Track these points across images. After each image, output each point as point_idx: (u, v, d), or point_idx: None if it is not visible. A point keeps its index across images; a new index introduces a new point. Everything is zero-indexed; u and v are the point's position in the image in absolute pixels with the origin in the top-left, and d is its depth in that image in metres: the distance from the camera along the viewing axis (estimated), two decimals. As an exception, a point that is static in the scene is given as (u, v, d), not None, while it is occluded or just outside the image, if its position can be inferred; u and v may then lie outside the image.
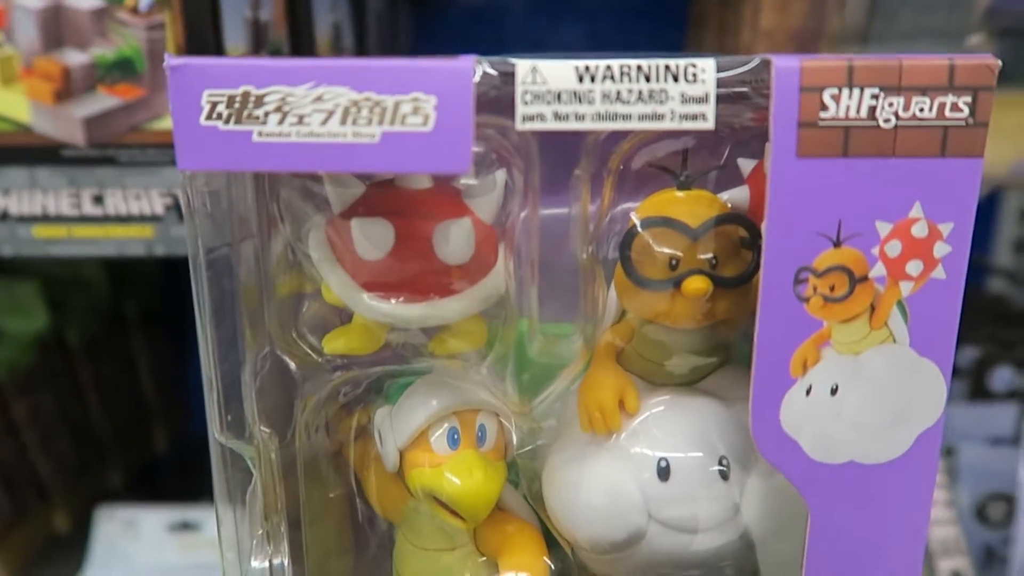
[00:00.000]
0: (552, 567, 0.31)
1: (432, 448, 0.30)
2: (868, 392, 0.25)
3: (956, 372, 0.79)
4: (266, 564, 0.29)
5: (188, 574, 0.83)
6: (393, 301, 0.27)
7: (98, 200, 0.56)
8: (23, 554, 0.95)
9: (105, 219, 0.56)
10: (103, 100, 0.55)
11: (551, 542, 0.31)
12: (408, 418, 0.30)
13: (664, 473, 0.28)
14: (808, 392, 0.25)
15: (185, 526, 0.95)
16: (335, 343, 0.29)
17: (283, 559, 0.29)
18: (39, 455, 1.00)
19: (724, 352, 0.31)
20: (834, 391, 0.25)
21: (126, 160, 0.55)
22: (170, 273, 1.19)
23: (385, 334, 0.29)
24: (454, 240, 0.28)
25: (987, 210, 0.93)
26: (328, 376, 0.30)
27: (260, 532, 0.29)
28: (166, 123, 0.55)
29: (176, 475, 1.17)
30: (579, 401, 0.30)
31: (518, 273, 0.29)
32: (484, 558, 0.31)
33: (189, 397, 1.25)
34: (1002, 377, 0.76)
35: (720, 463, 0.28)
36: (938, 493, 0.62)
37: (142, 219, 0.56)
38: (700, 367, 0.30)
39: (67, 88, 0.54)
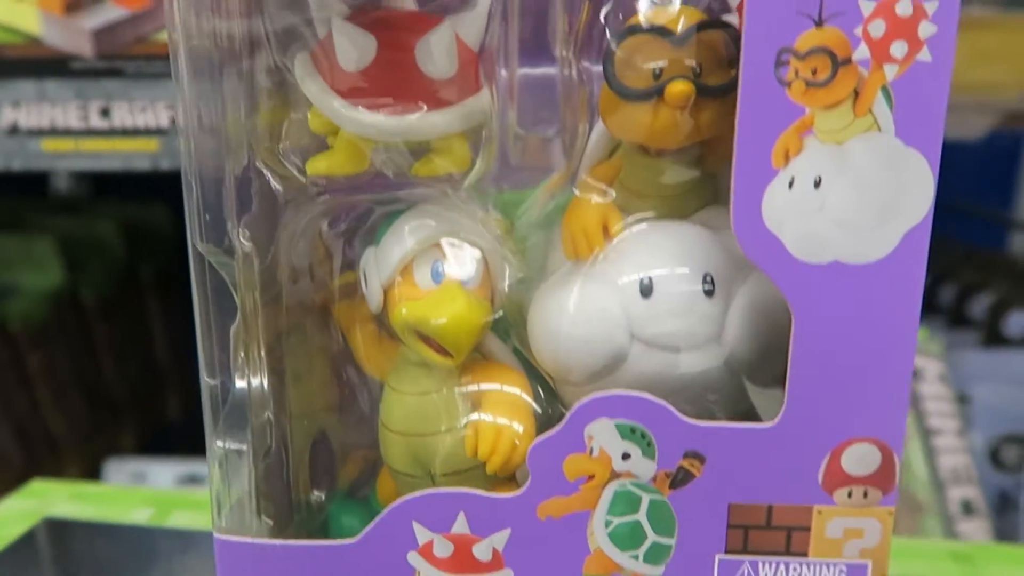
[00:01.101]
0: (537, 409, 0.30)
1: (416, 282, 0.30)
2: (852, 185, 0.24)
3: (970, 321, 0.78)
4: (245, 384, 0.29)
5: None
6: (376, 112, 0.27)
7: (105, 113, 0.57)
8: (34, 508, 0.96)
9: (111, 132, 0.57)
10: (111, 11, 0.56)
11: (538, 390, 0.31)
12: (390, 252, 0.30)
13: (647, 290, 0.28)
14: (791, 185, 0.25)
15: (192, 479, 0.95)
16: (318, 164, 0.29)
17: (263, 381, 0.29)
18: (52, 410, 1.02)
19: (712, 186, 0.30)
20: (817, 183, 0.25)
21: (132, 72, 0.56)
22: (185, 237, 1.20)
23: (369, 154, 0.29)
24: (437, 52, 0.27)
25: (1009, 170, 0.91)
26: (311, 202, 0.30)
27: (241, 354, 0.29)
28: (172, 33, 0.55)
29: (188, 439, 1.18)
30: (563, 228, 0.30)
31: (498, 95, 0.29)
32: (467, 390, 0.31)
33: (202, 364, 1.26)
34: (1018, 322, 0.74)
35: (705, 280, 0.28)
36: (949, 423, 0.60)
37: (147, 132, 0.56)
38: (688, 197, 0.30)
39: (77, -1, 0.55)
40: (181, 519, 0.46)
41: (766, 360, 0.28)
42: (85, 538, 0.45)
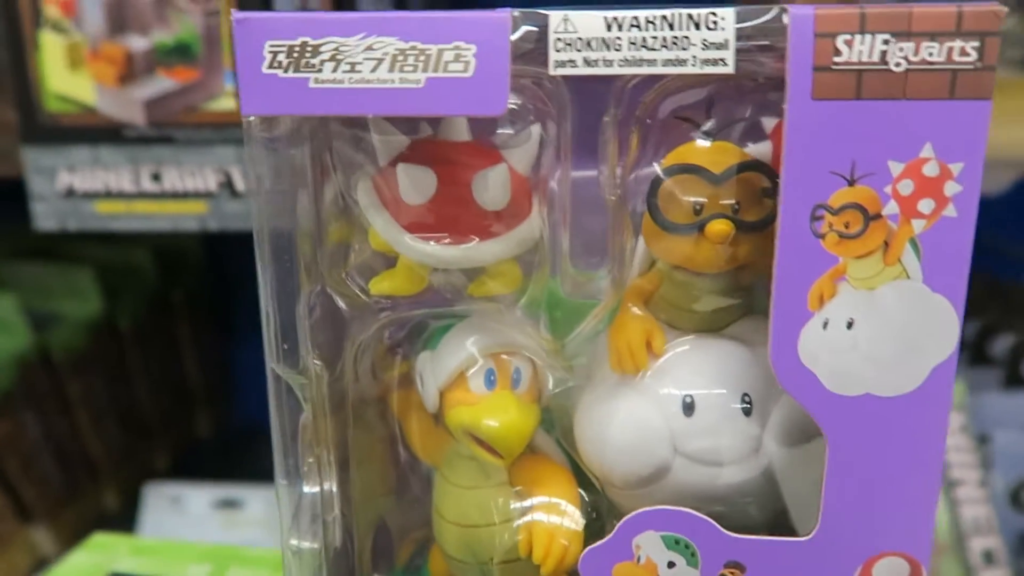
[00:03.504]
0: (585, 498, 0.32)
1: (470, 388, 0.32)
2: (883, 326, 0.26)
3: (991, 361, 0.79)
4: (317, 489, 0.31)
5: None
6: (435, 243, 0.30)
7: (156, 177, 0.59)
8: (75, 530, 0.99)
9: (162, 195, 0.59)
10: (162, 82, 0.58)
11: (582, 483, 0.33)
12: (448, 360, 0.32)
13: (689, 408, 0.30)
14: (825, 326, 0.27)
15: (229, 503, 0.99)
16: (381, 284, 0.31)
17: (331, 485, 0.32)
18: (90, 435, 1.05)
19: (746, 299, 0.32)
20: (850, 325, 0.27)
21: (182, 139, 0.58)
22: (215, 261, 1.23)
23: (427, 276, 0.31)
24: (492, 186, 0.30)
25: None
26: (375, 317, 0.32)
27: (311, 460, 0.31)
28: (220, 104, 0.58)
29: (219, 459, 1.21)
30: (609, 342, 0.32)
31: (551, 218, 0.31)
32: (518, 489, 0.33)
33: (232, 383, 1.29)
34: (1038, 364, 0.76)
35: (743, 400, 0.30)
36: (971, 474, 0.62)
37: (196, 195, 0.59)
38: (723, 312, 0.32)
39: (129, 71, 0.58)
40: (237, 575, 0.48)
41: (802, 473, 0.30)
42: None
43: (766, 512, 0.31)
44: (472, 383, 0.32)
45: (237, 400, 1.28)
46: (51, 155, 0.60)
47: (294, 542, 0.32)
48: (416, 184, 0.29)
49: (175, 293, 1.19)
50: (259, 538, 0.89)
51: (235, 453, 1.23)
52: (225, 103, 0.57)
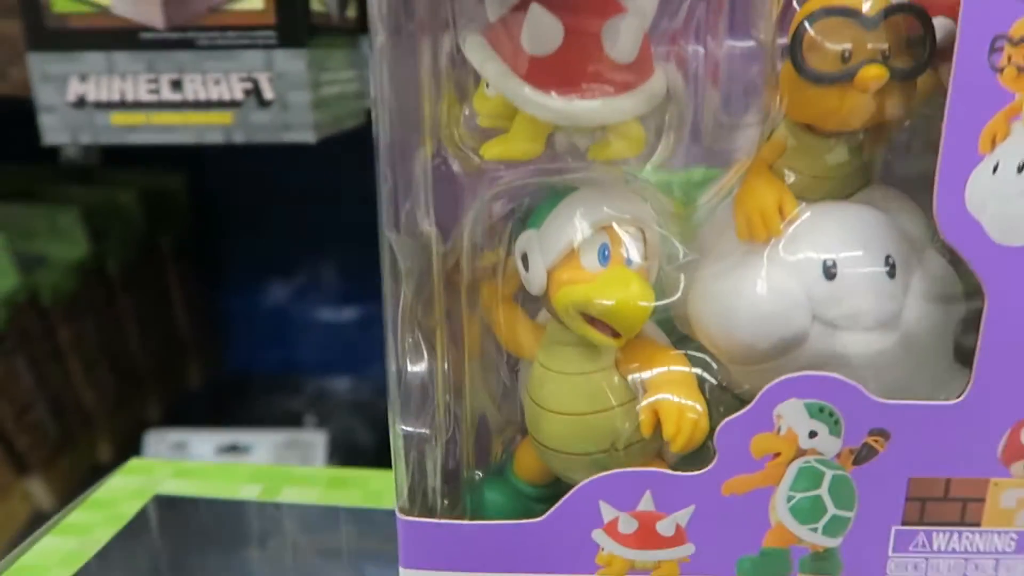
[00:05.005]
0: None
1: (583, 265, 0.30)
2: (1055, 169, 0.25)
3: None
4: (422, 369, 0.29)
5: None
6: (565, 98, 0.27)
7: (176, 85, 0.56)
8: (70, 481, 0.96)
9: (183, 105, 0.56)
10: (183, -20, 0.54)
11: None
12: (557, 236, 0.30)
13: (830, 272, 0.28)
14: (995, 170, 0.25)
15: (234, 448, 0.96)
16: (493, 148, 0.29)
17: (440, 367, 0.30)
18: (83, 384, 1.01)
19: (869, 168, 0.31)
20: (1021, 169, 0.25)
21: (205, 43, 0.55)
22: (204, 209, 1.19)
23: (544, 139, 0.29)
24: (624, 36, 0.27)
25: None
26: (487, 185, 0.30)
27: (413, 338, 0.29)
28: (247, 3, 0.54)
29: (212, 409, 1.18)
30: (736, 209, 0.30)
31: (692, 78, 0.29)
32: (629, 377, 0.32)
33: (223, 333, 1.25)
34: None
35: (886, 262, 0.28)
36: None
37: (221, 105, 0.55)
38: (850, 180, 0.30)
39: (147, -33, 0.54)
40: (291, 495, 0.46)
41: (943, 335, 0.29)
42: (197, 514, 0.46)
43: (897, 386, 0.30)
44: (584, 259, 0.30)
45: (228, 351, 1.25)
46: (60, 62, 0.55)
47: (402, 427, 0.30)
48: (541, 32, 0.27)
49: (163, 238, 1.15)
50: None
51: (228, 404, 1.20)
52: (252, 3, 0.54)
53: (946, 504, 0.29)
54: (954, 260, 0.29)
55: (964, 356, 0.30)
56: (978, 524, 0.29)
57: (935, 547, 0.29)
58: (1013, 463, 0.28)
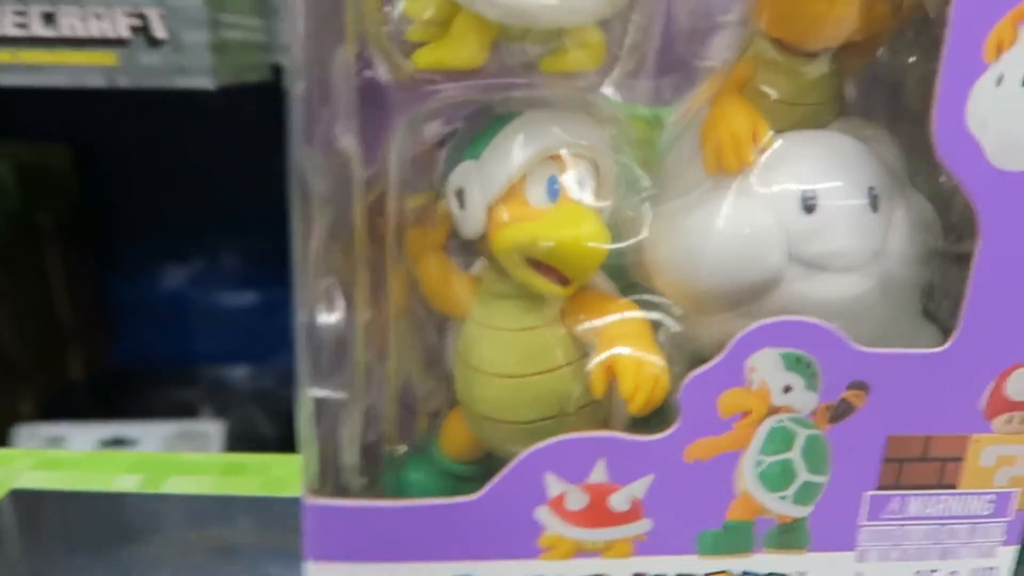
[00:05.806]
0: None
1: (528, 200, 0.26)
2: (1061, 84, 0.22)
3: None
4: (335, 320, 0.24)
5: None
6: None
7: (49, 19, 0.48)
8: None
9: (58, 42, 0.49)
10: None
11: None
12: (498, 167, 0.26)
13: (810, 205, 0.25)
14: (999, 81, 0.22)
15: (118, 442, 0.88)
16: (428, 55, 0.24)
17: (357, 320, 0.25)
18: (-56, 375, 0.90)
19: (841, 95, 0.28)
20: (1025, 82, 0.22)
21: (83, -30, 0.48)
22: (90, 183, 1.09)
23: (488, 44, 0.25)
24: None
25: None
26: (420, 100, 0.25)
27: (328, 283, 0.24)
28: (133, -75, 0.48)
29: (96, 402, 1.08)
30: (704, 137, 0.26)
31: None
32: (576, 331, 0.28)
33: (109, 320, 1.15)
34: None
35: (869, 193, 0.25)
36: None
37: (103, 43, 0.48)
38: (826, 107, 0.27)
39: None
40: (178, 485, 0.40)
41: (919, 281, 0.26)
42: (62, 510, 0.39)
43: (866, 341, 0.27)
44: (530, 194, 0.26)
45: (118, 338, 1.15)
46: (-95, -15, 0.47)
47: (313, 391, 0.25)
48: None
49: (42, 216, 1.05)
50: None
51: (114, 399, 1.10)
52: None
53: (924, 465, 0.26)
54: (933, 198, 0.27)
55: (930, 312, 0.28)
56: (955, 486, 0.26)
57: (911, 512, 0.27)
58: (995, 417, 0.26)
